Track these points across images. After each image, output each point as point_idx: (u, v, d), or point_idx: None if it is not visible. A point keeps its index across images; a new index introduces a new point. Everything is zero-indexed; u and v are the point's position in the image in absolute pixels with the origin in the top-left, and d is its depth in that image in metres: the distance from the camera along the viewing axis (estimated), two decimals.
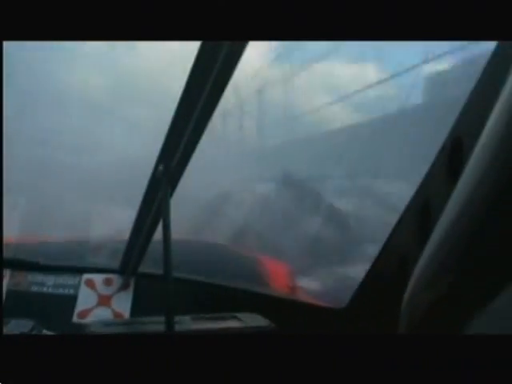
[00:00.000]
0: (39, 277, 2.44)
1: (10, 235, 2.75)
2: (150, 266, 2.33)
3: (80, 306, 2.37)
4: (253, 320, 1.79)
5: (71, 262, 2.59)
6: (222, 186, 2.97)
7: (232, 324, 1.77)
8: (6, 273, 2.42)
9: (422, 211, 1.41)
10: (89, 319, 2.31)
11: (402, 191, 1.79)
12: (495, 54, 1.16)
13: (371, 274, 1.89)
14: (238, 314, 1.83)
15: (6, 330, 1.65)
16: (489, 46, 1.16)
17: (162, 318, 1.53)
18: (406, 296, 0.81)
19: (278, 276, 2.78)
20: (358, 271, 1.98)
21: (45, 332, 1.84)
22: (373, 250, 1.85)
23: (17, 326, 1.69)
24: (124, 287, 2.41)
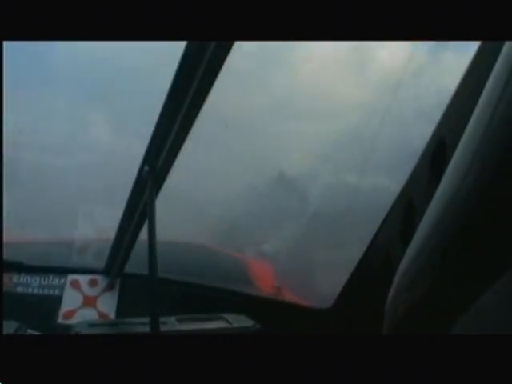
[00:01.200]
0: (24, 277, 2.43)
1: None
2: (136, 266, 2.33)
3: (65, 306, 2.36)
4: (239, 320, 1.79)
5: (56, 263, 2.58)
6: (207, 186, 2.97)
7: (218, 324, 1.77)
8: None
9: (405, 211, 1.42)
10: (74, 320, 2.30)
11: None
12: (478, 54, 1.16)
13: (356, 275, 1.90)
14: (224, 315, 1.83)
15: None
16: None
17: (147, 319, 1.53)
18: (390, 296, 0.82)
19: (264, 277, 2.78)
20: (342, 271, 1.99)
21: (30, 333, 1.83)
22: (357, 250, 1.86)
23: (1, 327, 1.68)
24: (109, 288, 2.41)
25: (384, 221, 1.66)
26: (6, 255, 2.54)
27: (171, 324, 1.73)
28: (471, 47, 1.17)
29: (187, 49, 1.20)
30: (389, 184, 2.03)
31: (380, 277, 1.57)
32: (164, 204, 1.64)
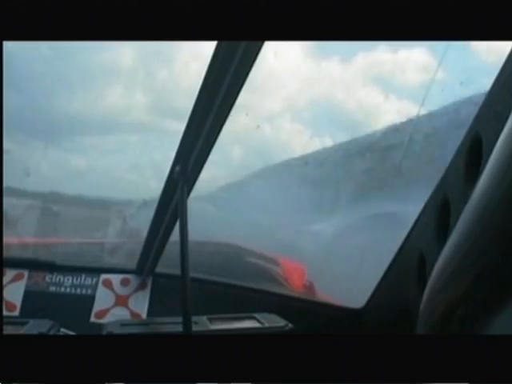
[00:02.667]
0: (57, 277, 2.45)
1: (27, 236, 2.77)
2: (167, 266, 2.33)
3: (97, 305, 2.38)
4: (270, 320, 1.78)
5: (89, 263, 2.60)
6: (238, 186, 2.97)
7: (250, 324, 1.77)
8: (25, 273, 2.44)
9: (440, 211, 1.40)
10: (106, 319, 2.31)
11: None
12: None
13: (389, 274, 1.89)
14: (255, 315, 1.83)
15: (24, 331, 1.66)
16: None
17: (179, 319, 1.53)
18: (425, 297, 0.81)
19: (296, 276, 2.78)
20: (375, 271, 1.97)
21: (63, 332, 1.85)
22: (391, 249, 1.84)
23: (35, 327, 1.69)
24: (141, 287, 2.41)
25: (417, 220, 1.64)
26: (41, 256, 2.58)
27: (203, 324, 1.73)
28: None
29: (217, 48, 1.19)
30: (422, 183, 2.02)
31: (413, 277, 1.56)
32: (195, 203, 1.64)
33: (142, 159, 2.87)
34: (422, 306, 0.82)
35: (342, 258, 2.74)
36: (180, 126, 1.49)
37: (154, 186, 2.28)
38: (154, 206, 1.90)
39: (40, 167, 2.80)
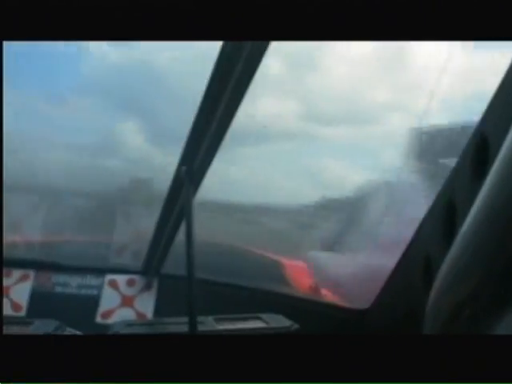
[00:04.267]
0: (63, 277, 2.46)
1: (33, 236, 2.78)
2: (173, 266, 2.34)
3: (103, 306, 2.38)
4: (276, 320, 1.78)
5: (94, 263, 2.60)
6: (243, 187, 2.97)
7: (255, 325, 1.76)
8: (31, 274, 2.44)
9: (446, 212, 1.40)
10: (112, 319, 2.32)
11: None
12: None
13: (395, 275, 1.88)
14: (260, 315, 1.83)
15: (30, 331, 1.66)
16: None
17: (184, 319, 1.53)
18: (431, 298, 0.80)
19: (301, 277, 2.77)
20: (381, 272, 1.97)
21: (69, 331, 1.85)
22: (396, 251, 1.84)
23: (41, 326, 1.70)
24: (147, 288, 2.42)
25: (424, 221, 1.64)
26: (45, 255, 2.59)
27: (208, 324, 1.73)
28: None
29: (223, 49, 1.20)
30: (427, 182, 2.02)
31: (419, 278, 1.56)
32: (201, 204, 1.64)
33: (295, 166, 2.87)
34: (428, 307, 0.82)
35: (348, 257, 2.74)
36: (333, 132, 1.48)
37: (309, 192, 2.29)
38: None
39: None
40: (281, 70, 2.66)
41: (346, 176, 2.82)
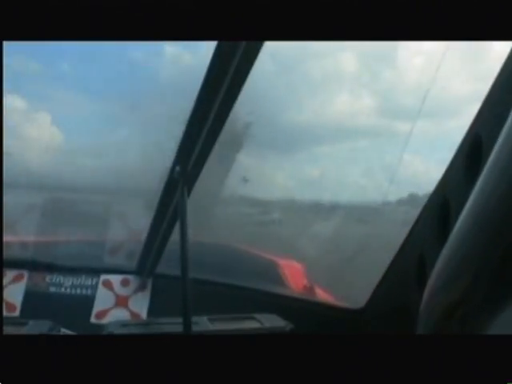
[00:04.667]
0: (57, 278, 2.45)
1: (27, 236, 2.77)
2: (167, 266, 2.33)
3: (98, 306, 2.38)
4: (270, 321, 1.78)
5: (89, 263, 2.60)
6: (236, 187, 2.97)
7: (250, 325, 1.76)
8: (25, 274, 2.44)
9: (440, 211, 1.40)
10: (106, 320, 2.31)
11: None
12: None
13: (389, 274, 1.89)
14: (255, 315, 1.82)
15: (25, 331, 1.66)
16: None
17: (179, 319, 1.53)
18: (425, 296, 0.81)
19: (296, 276, 2.77)
20: (375, 271, 1.97)
21: (63, 332, 1.85)
22: (390, 250, 1.84)
23: (35, 327, 1.69)
24: (141, 288, 2.41)
25: (417, 220, 1.64)
26: (40, 255, 2.58)
27: (203, 324, 1.73)
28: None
29: (217, 49, 1.20)
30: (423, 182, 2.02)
31: (413, 277, 1.56)
32: (196, 204, 1.63)
33: (373, 163, 2.86)
34: (421, 306, 0.82)
35: (342, 257, 2.74)
36: (409, 127, 1.47)
37: (387, 188, 2.29)
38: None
39: (275, 178, 2.85)
40: (355, 66, 2.66)
41: (425, 171, 2.78)
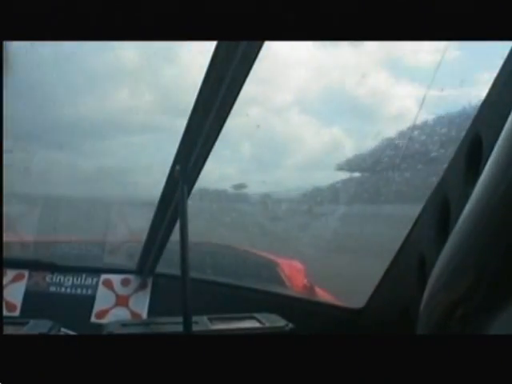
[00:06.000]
0: (57, 277, 2.46)
1: (27, 235, 2.77)
2: (167, 266, 2.34)
3: (98, 306, 2.38)
4: (271, 320, 1.78)
5: (89, 263, 2.60)
6: (236, 186, 2.97)
7: (250, 324, 1.76)
8: (25, 274, 2.44)
9: (440, 211, 1.40)
10: (107, 319, 2.32)
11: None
12: None
13: (389, 274, 1.89)
14: (256, 315, 1.82)
15: (25, 331, 1.66)
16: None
17: (179, 319, 1.53)
18: (425, 297, 0.81)
19: (296, 276, 2.78)
20: (375, 271, 1.97)
21: (63, 332, 1.85)
22: (391, 249, 1.84)
23: (35, 327, 1.70)
24: (141, 287, 2.41)
25: (417, 219, 1.64)
26: (40, 255, 2.58)
27: (203, 324, 1.73)
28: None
29: (217, 48, 1.20)
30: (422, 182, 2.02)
31: (413, 277, 1.56)
32: (196, 204, 1.64)
33: (151, 160, 2.86)
34: (422, 306, 0.82)
35: (342, 257, 2.74)
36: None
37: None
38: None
39: (46, 171, 2.82)
40: (137, 61, 2.66)
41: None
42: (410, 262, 1.62)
